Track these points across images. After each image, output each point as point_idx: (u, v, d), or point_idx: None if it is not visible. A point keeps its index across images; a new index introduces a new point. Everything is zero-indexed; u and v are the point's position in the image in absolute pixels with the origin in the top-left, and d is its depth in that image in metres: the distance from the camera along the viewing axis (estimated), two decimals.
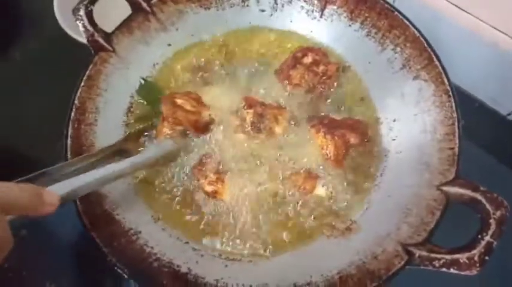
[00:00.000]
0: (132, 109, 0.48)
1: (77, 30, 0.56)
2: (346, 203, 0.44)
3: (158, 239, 0.40)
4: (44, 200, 0.31)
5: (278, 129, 0.45)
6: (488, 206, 0.34)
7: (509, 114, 0.62)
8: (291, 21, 0.52)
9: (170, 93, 0.47)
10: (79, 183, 0.34)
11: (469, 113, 0.60)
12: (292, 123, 0.46)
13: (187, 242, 0.42)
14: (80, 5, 0.44)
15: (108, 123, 0.46)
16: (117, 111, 0.47)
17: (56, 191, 0.32)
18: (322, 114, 0.47)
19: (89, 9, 0.45)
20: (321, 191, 0.44)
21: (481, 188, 0.35)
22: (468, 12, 0.55)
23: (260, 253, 0.42)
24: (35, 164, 0.59)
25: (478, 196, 0.35)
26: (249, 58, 0.51)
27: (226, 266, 0.40)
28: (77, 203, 0.39)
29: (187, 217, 0.44)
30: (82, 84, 0.44)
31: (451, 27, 0.58)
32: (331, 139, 0.44)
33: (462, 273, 0.32)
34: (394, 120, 0.46)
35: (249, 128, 0.45)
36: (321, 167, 0.45)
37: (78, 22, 0.45)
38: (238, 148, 0.45)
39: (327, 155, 0.44)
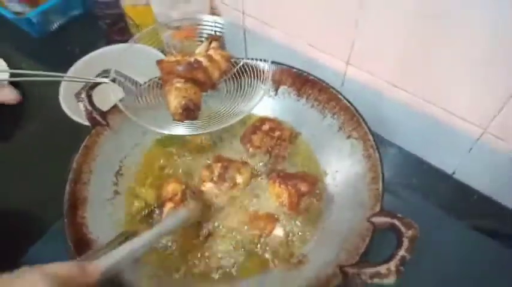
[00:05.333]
0: (121, 172, 0.58)
1: (78, 113, 0.68)
2: (299, 241, 0.52)
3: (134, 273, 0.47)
4: (87, 273, 0.35)
5: (240, 180, 0.55)
6: (402, 228, 0.42)
7: (453, 173, 0.70)
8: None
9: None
10: (116, 256, 0.39)
11: (420, 173, 0.70)
12: (253, 176, 0.56)
13: (161, 277, 0.49)
14: (82, 90, 0.56)
15: (99, 182, 0.55)
16: (108, 173, 0.57)
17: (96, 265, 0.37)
18: (279, 169, 0.57)
19: (89, 93, 0.57)
20: (279, 231, 0.52)
21: (398, 216, 0.44)
22: (404, 89, 0.65)
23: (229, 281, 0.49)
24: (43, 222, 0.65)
25: (395, 221, 0.43)
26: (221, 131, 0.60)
27: None
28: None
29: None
30: (80, 151, 0.54)
31: (392, 102, 0.68)
32: (285, 188, 0.53)
33: (383, 282, 0.39)
34: (336, 172, 0.56)
35: (216, 178, 0.54)
36: (279, 212, 0.53)
37: (80, 103, 0.56)
38: (209, 195, 0.54)
39: (283, 202, 0.53)
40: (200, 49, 0.55)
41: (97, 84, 0.57)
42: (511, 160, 0.60)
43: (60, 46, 0.94)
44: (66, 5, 0.96)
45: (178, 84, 0.49)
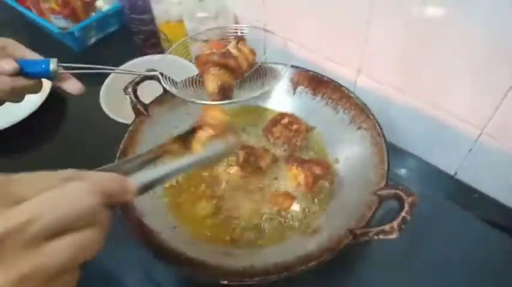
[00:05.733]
0: None
1: (116, 113, 0.77)
2: (314, 215, 0.59)
3: (173, 238, 0.55)
4: (127, 188, 0.32)
5: (263, 164, 0.63)
6: (403, 195, 0.49)
7: (455, 173, 0.75)
8: (274, 99, 0.74)
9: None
10: (151, 176, 0.37)
11: (423, 174, 0.77)
12: (274, 161, 0.64)
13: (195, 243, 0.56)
14: (129, 85, 0.66)
15: None
16: None
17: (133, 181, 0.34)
18: (296, 155, 0.65)
19: (135, 88, 0.66)
20: (296, 207, 0.60)
21: (400, 187, 0.51)
22: (408, 95, 0.71)
23: (253, 247, 0.56)
24: None
25: (398, 191, 0.50)
26: (247, 123, 0.72)
27: (224, 255, 0.54)
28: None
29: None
30: (126, 135, 0.63)
31: (399, 107, 0.74)
32: (301, 170, 0.61)
33: (387, 237, 0.46)
34: (347, 158, 0.64)
35: (241, 162, 0.63)
36: (296, 191, 0.61)
37: (126, 95, 0.66)
38: (234, 177, 0.62)
39: (299, 182, 0.61)
40: (230, 46, 0.64)
41: (141, 81, 0.66)
42: (508, 159, 0.66)
43: (98, 59, 1.04)
44: (105, 21, 1.08)
45: (214, 71, 0.59)
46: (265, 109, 0.72)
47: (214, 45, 0.90)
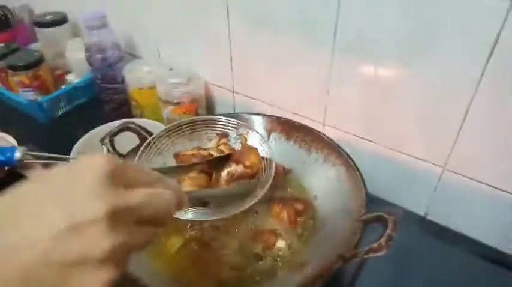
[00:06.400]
0: None
1: None
2: (299, 249, 0.59)
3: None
4: (183, 199, 0.36)
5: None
6: (386, 215, 0.51)
7: (426, 214, 0.78)
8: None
9: None
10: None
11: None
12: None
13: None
14: (106, 135, 0.67)
15: None
16: None
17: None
18: (276, 195, 0.66)
19: (111, 139, 0.67)
20: (281, 244, 0.59)
21: (381, 210, 0.53)
22: (371, 141, 0.76)
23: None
24: None
25: (380, 213, 0.52)
26: None
27: None
28: None
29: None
30: None
31: (364, 153, 0.77)
32: (283, 207, 0.62)
33: (376, 254, 0.47)
34: (325, 193, 0.66)
35: None
36: (280, 229, 0.61)
37: (103, 146, 0.66)
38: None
39: (283, 218, 0.61)
40: (212, 143, 0.67)
41: (118, 132, 0.68)
42: (471, 194, 0.70)
43: (66, 130, 1.03)
44: (74, 94, 1.09)
45: (192, 174, 0.59)
46: None
47: (185, 108, 0.94)
